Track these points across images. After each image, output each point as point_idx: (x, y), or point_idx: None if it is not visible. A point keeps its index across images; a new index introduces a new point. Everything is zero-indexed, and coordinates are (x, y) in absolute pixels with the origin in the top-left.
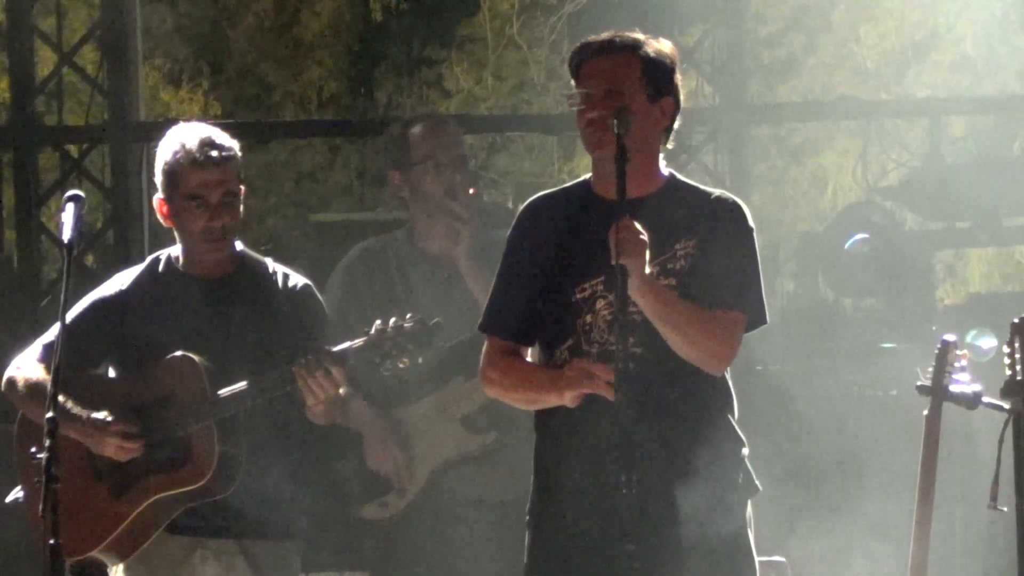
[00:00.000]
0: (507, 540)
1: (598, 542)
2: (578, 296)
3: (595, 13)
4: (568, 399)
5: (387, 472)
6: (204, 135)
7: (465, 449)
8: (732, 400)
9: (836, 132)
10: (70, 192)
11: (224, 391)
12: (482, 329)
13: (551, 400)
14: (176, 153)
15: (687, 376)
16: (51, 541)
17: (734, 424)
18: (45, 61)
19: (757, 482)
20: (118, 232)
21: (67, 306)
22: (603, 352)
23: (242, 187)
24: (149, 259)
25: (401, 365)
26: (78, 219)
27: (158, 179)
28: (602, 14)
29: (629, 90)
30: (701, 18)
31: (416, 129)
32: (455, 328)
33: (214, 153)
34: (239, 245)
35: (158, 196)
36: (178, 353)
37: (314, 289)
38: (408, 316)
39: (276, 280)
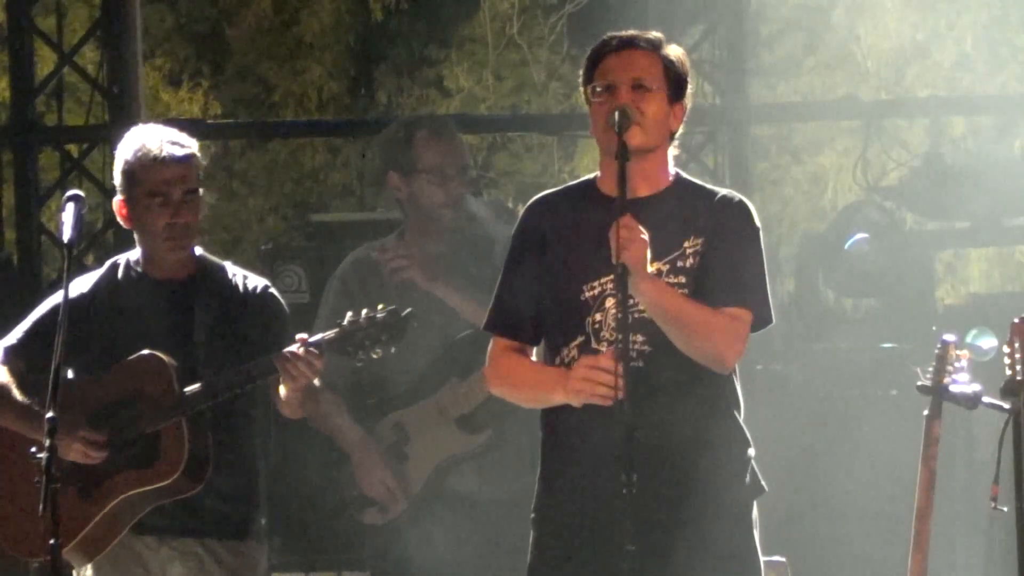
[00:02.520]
0: (508, 538)
1: (601, 542)
2: (587, 295)
3: (595, 13)
4: (575, 400)
5: (379, 496)
6: (163, 134)
7: (462, 449)
8: (740, 400)
9: (836, 132)
10: (70, 192)
11: (191, 388)
12: (487, 328)
13: (557, 399)
14: (137, 152)
15: (697, 375)
16: (51, 541)
17: (742, 424)
18: (45, 61)
19: (763, 483)
20: (118, 232)
21: (67, 306)
22: (618, 351)
23: (202, 190)
24: (107, 263)
25: (375, 356)
26: (78, 219)
27: (118, 181)
28: (602, 14)
29: (654, 86)
30: (701, 18)
31: (422, 136)
32: (452, 328)
33: (175, 150)
34: (198, 250)
35: (118, 198)
36: (145, 352)
37: (274, 290)
38: (380, 307)
39: (236, 282)
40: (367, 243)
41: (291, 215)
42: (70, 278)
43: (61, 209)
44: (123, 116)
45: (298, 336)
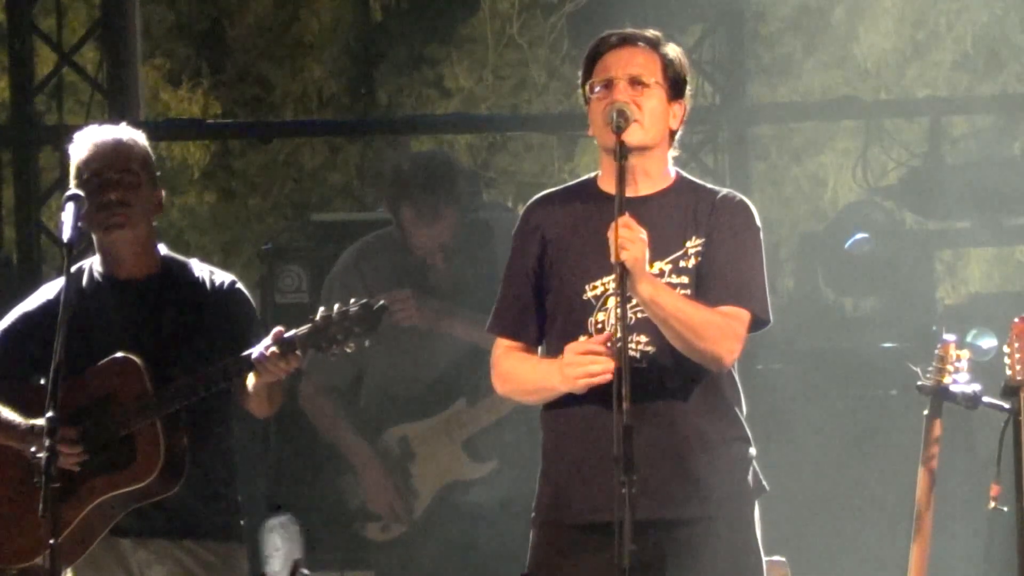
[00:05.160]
0: (510, 538)
1: (601, 542)
2: (589, 294)
3: (595, 13)
4: (574, 387)
5: (384, 511)
6: (104, 129)
7: (466, 476)
8: (741, 400)
9: (836, 132)
10: (70, 192)
11: (165, 388)
12: (490, 330)
13: (558, 389)
14: (78, 149)
15: (700, 374)
16: (51, 541)
17: (744, 424)
18: (45, 61)
19: (764, 482)
20: None
21: (67, 307)
22: (617, 351)
23: (162, 192)
24: (73, 269)
25: (348, 350)
26: (78, 219)
27: (72, 183)
28: (602, 14)
29: (652, 81)
30: (701, 18)
31: (408, 213)
32: (455, 343)
33: (110, 137)
34: (163, 249)
35: None
36: (118, 354)
37: (240, 285)
38: (352, 300)
39: (203, 279)
40: (362, 238)
41: (291, 215)
42: (70, 278)
43: (61, 209)
44: (123, 116)
45: (274, 331)
